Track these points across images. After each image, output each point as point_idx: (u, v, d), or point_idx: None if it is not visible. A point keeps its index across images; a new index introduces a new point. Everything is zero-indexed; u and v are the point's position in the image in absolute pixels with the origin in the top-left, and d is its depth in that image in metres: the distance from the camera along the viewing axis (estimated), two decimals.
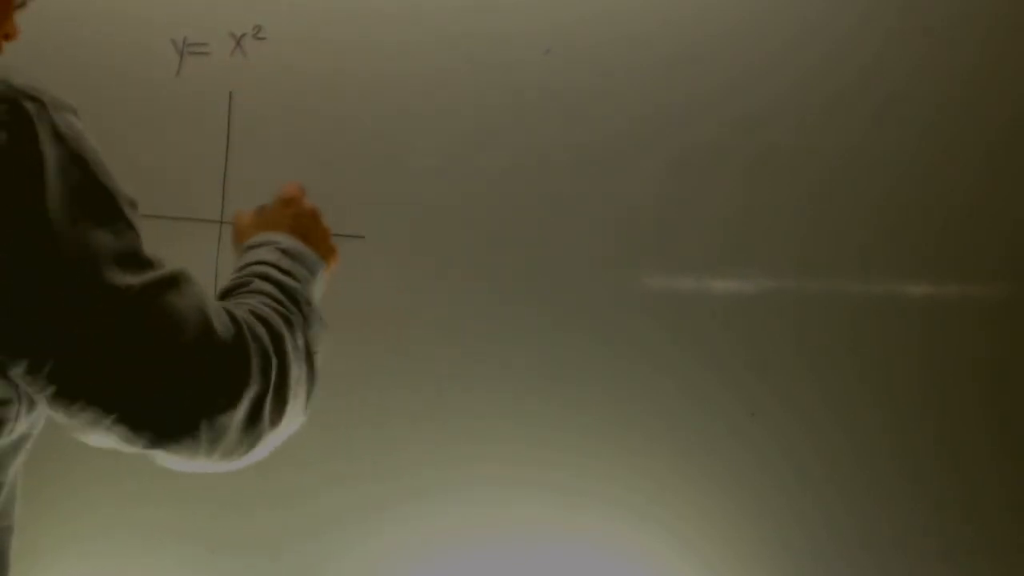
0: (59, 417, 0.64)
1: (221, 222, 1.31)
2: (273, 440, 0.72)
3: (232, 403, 0.66)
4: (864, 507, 1.24)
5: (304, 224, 0.93)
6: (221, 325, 0.66)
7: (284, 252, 0.86)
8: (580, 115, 1.31)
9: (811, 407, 1.25)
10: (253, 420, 0.68)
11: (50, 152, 0.60)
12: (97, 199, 0.63)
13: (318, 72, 1.35)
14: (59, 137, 0.61)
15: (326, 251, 0.94)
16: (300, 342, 0.76)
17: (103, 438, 0.64)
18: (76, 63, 1.37)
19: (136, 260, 0.63)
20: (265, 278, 0.81)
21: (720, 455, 1.27)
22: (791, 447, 1.25)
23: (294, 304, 0.80)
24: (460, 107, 1.33)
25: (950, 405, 1.24)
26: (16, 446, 0.70)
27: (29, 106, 0.60)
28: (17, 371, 0.61)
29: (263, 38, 1.36)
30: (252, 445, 0.70)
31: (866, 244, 1.26)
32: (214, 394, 0.65)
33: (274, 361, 0.70)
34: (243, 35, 1.36)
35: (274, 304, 0.77)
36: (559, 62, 1.32)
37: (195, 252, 1.28)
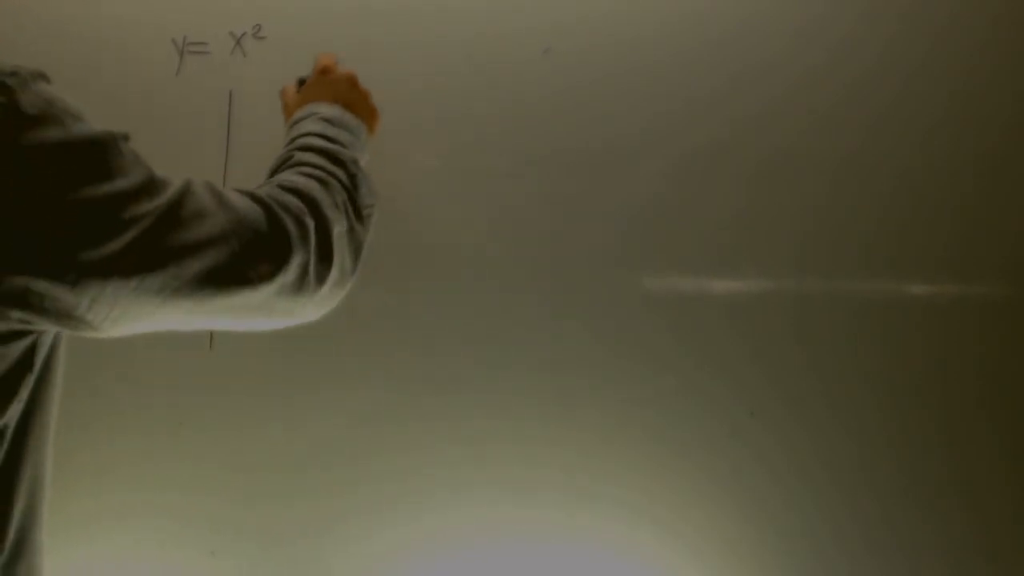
0: (115, 312, 0.66)
1: None
2: (325, 297, 0.78)
3: (275, 271, 0.72)
4: (864, 507, 1.24)
5: (342, 90, 0.99)
6: (246, 206, 0.72)
7: (327, 121, 0.93)
8: (580, 115, 1.31)
9: (811, 407, 1.25)
10: (300, 284, 0.74)
11: (46, 122, 0.62)
12: (102, 147, 0.66)
13: None
14: (50, 103, 0.63)
15: (367, 113, 1.02)
16: (340, 200, 0.82)
17: (167, 309, 0.69)
18: (76, 62, 1.37)
19: (152, 185, 0.67)
20: (307, 148, 0.87)
21: (720, 455, 1.26)
22: (791, 447, 1.25)
23: (339, 166, 0.86)
24: (460, 107, 1.33)
25: (951, 405, 1.24)
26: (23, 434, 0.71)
27: (10, 80, 0.62)
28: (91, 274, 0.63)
29: (263, 37, 1.36)
30: (306, 303, 0.76)
31: (867, 244, 1.26)
32: (257, 266, 0.70)
33: (311, 224, 0.76)
34: (243, 34, 1.36)
35: (312, 170, 0.83)
36: (559, 62, 1.32)
37: None
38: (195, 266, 0.67)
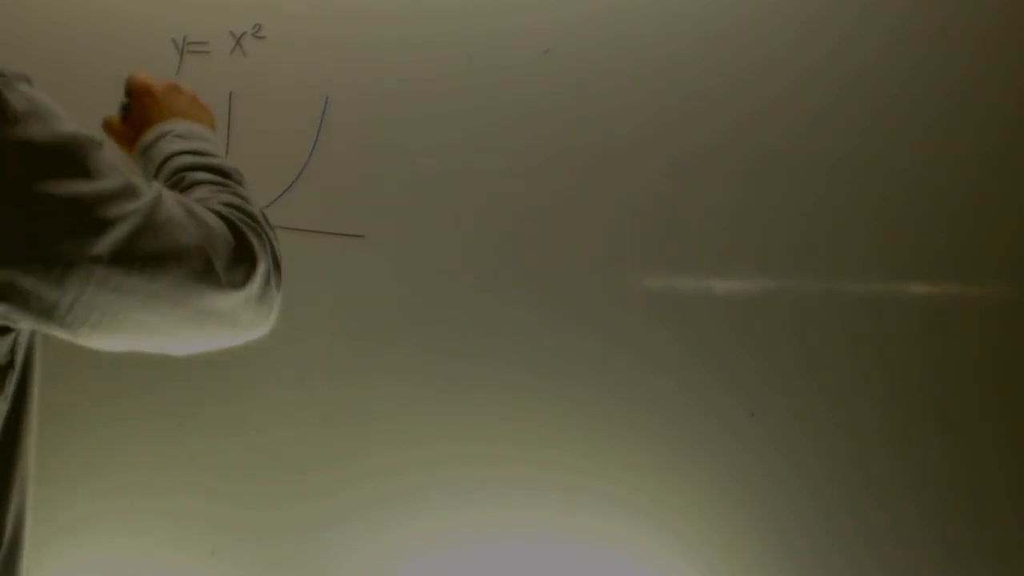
0: (94, 315, 0.66)
1: None
2: (278, 305, 0.79)
3: (246, 279, 0.72)
4: (864, 507, 1.24)
5: (175, 103, 0.94)
6: (212, 218, 0.72)
7: (182, 137, 0.88)
8: (580, 115, 1.31)
9: (811, 407, 1.25)
10: (264, 291, 0.75)
11: (30, 120, 0.62)
12: (84, 147, 0.65)
13: (318, 72, 1.35)
14: (31, 103, 0.63)
15: (204, 116, 0.96)
16: (258, 210, 0.80)
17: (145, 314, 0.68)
18: (76, 62, 1.37)
19: (130, 189, 0.67)
20: (190, 168, 0.84)
21: (720, 455, 1.26)
22: (791, 447, 1.25)
23: (226, 177, 0.83)
24: (460, 107, 1.33)
25: (950, 405, 1.24)
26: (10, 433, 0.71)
27: None
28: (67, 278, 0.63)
29: (263, 37, 1.36)
30: (268, 312, 0.77)
31: (866, 244, 1.26)
32: (231, 272, 0.71)
33: (263, 235, 0.76)
34: (243, 34, 1.36)
35: (219, 187, 0.81)
36: (559, 62, 1.32)
37: None
38: (174, 270, 0.68)
